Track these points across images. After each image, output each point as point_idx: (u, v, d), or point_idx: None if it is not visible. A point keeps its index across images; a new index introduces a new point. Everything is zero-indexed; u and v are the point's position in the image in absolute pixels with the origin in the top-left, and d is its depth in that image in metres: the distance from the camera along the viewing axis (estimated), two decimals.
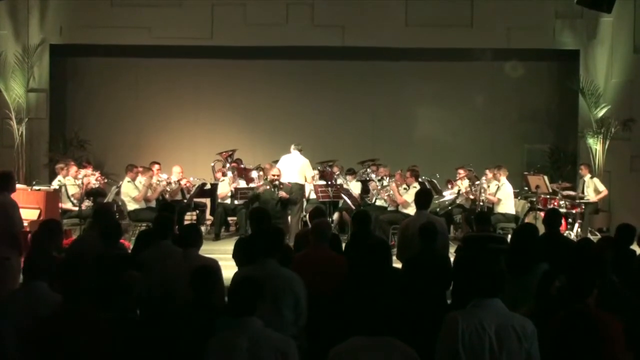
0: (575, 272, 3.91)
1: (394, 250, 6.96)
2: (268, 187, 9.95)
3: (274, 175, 10.00)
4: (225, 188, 11.25)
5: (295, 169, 10.57)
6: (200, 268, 4.22)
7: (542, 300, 4.20)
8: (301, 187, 10.63)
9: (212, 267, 4.43)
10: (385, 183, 10.83)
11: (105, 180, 11.16)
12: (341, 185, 11.07)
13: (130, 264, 4.87)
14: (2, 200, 6.58)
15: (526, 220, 10.91)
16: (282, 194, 9.87)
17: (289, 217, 10.38)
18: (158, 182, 10.65)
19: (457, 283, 5.50)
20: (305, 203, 11.18)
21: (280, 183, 10.04)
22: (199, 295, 4.10)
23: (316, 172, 11.58)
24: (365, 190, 11.65)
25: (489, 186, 10.61)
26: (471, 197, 11.00)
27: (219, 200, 11.37)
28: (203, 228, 11.19)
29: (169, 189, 10.84)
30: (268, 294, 4.35)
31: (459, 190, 11.22)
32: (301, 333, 4.66)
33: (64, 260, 4.29)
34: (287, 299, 4.51)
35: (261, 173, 11.08)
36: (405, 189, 10.47)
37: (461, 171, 11.40)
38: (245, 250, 5.24)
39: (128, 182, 10.49)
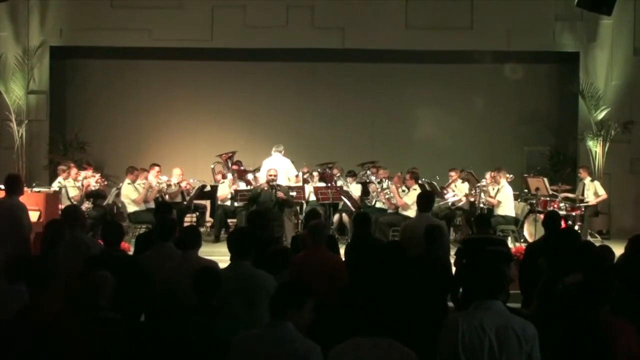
0: (595, 278, 3.87)
1: None
2: (266, 188, 9.93)
3: (270, 176, 10.01)
4: (225, 190, 11.26)
5: (279, 171, 10.58)
6: (203, 269, 4.21)
7: (544, 301, 4.19)
8: (287, 189, 10.62)
9: (214, 269, 4.41)
10: (385, 185, 10.83)
11: (106, 183, 11.16)
12: (341, 187, 11.08)
13: (127, 267, 4.87)
14: (10, 202, 6.59)
15: (526, 223, 10.93)
16: (280, 194, 9.86)
17: (286, 219, 10.39)
18: (158, 184, 10.67)
19: (460, 285, 5.50)
20: (305, 205, 11.18)
21: (278, 185, 10.04)
22: (201, 297, 4.08)
23: (316, 173, 11.60)
24: (365, 192, 11.65)
25: (493, 188, 10.58)
26: (471, 199, 11.00)
27: (219, 202, 11.37)
28: (203, 230, 11.20)
29: (167, 190, 10.84)
30: (241, 296, 4.36)
31: (454, 194, 11.21)
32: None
33: (33, 261, 4.28)
34: (262, 298, 4.41)
35: (257, 174, 11.09)
36: (404, 191, 10.46)
37: (453, 173, 11.39)
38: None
39: (128, 184, 10.51)
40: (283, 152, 11.03)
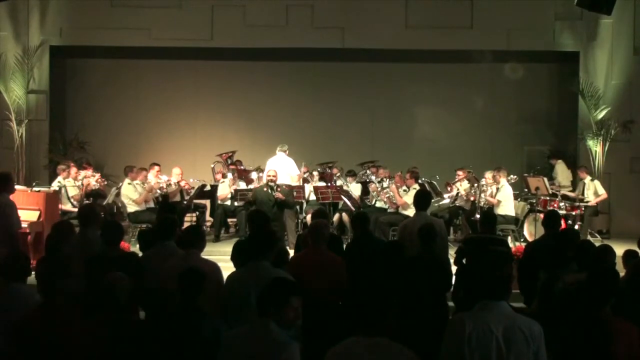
0: (597, 278, 3.86)
1: None
2: (265, 188, 9.95)
3: (269, 177, 10.04)
4: (225, 189, 11.27)
5: (282, 170, 10.59)
6: (188, 270, 4.17)
7: (544, 301, 4.18)
8: (290, 187, 10.65)
9: (201, 270, 4.30)
10: (385, 185, 10.83)
11: (105, 182, 11.17)
12: (341, 186, 11.08)
13: (128, 266, 4.86)
14: (0, 200, 6.58)
15: (526, 222, 10.93)
16: (278, 195, 9.87)
17: (287, 219, 10.40)
18: (158, 183, 10.68)
19: (462, 285, 5.50)
20: (305, 204, 11.18)
21: (277, 185, 10.06)
22: (184, 297, 4.06)
23: (316, 173, 11.60)
24: (365, 192, 11.65)
25: (489, 189, 10.58)
26: (471, 198, 11.00)
27: (219, 202, 11.38)
28: None
29: (167, 190, 10.85)
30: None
31: (457, 192, 11.22)
32: (299, 332, 4.65)
33: (43, 261, 4.27)
34: None
35: (260, 174, 11.10)
36: (405, 190, 10.47)
37: (460, 172, 11.40)
38: (241, 252, 5.24)
39: (128, 184, 10.52)
40: (287, 152, 11.01)
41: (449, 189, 11.44)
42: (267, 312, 3.45)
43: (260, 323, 3.45)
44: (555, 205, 10.68)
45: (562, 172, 12.44)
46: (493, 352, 3.41)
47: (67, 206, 10.08)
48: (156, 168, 11.04)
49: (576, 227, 10.89)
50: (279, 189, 10.00)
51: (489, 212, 8.31)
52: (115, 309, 4.03)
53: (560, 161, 12.66)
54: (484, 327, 3.43)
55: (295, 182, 10.93)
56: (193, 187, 11.41)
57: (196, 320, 3.95)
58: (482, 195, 10.63)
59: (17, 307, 4.03)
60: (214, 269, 4.90)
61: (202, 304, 4.13)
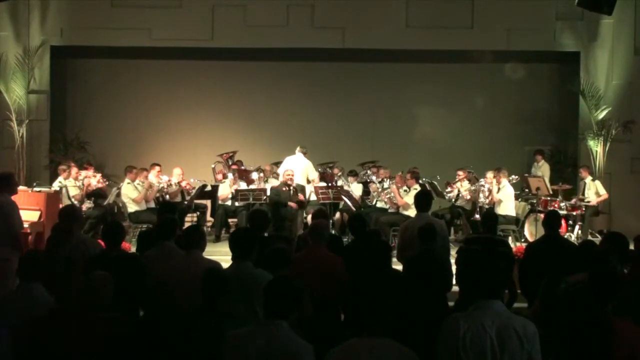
0: (598, 278, 3.86)
1: (394, 252, 6.95)
2: (284, 188, 10.03)
3: (288, 176, 10.14)
4: (226, 190, 11.27)
5: (298, 170, 10.64)
6: (211, 270, 4.17)
7: (546, 301, 4.18)
8: (303, 188, 10.70)
9: (221, 270, 4.35)
10: (385, 185, 10.83)
11: (106, 182, 11.18)
12: (341, 186, 11.08)
13: (129, 266, 4.86)
14: (1, 200, 6.58)
15: (527, 222, 10.92)
16: (301, 196, 9.95)
17: (298, 219, 10.45)
18: (158, 184, 10.70)
19: (462, 284, 5.49)
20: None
21: (294, 186, 10.13)
22: (208, 298, 4.04)
23: (317, 173, 11.61)
24: (366, 192, 11.65)
25: (498, 188, 10.57)
26: (467, 197, 11.00)
27: (220, 202, 11.38)
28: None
29: (167, 190, 10.86)
30: (242, 295, 4.37)
31: (458, 192, 11.21)
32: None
33: (55, 262, 4.27)
34: (262, 298, 4.45)
35: (261, 175, 11.10)
36: (405, 191, 10.47)
37: (460, 172, 11.39)
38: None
39: (128, 183, 10.54)
40: (307, 153, 11.02)
41: (449, 189, 11.43)
42: (280, 313, 3.40)
43: (272, 324, 3.39)
44: (556, 205, 10.68)
45: (545, 172, 12.46)
46: (487, 351, 3.40)
47: None
48: (157, 168, 11.05)
49: (577, 227, 10.92)
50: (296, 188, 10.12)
51: (489, 212, 8.28)
52: (99, 309, 3.98)
53: (543, 161, 12.66)
54: (478, 327, 3.43)
55: (310, 184, 10.97)
56: (194, 188, 11.41)
57: (218, 320, 3.92)
58: (482, 195, 10.62)
59: (31, 306, 4.04)
60: (219, 268, 4.91)
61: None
